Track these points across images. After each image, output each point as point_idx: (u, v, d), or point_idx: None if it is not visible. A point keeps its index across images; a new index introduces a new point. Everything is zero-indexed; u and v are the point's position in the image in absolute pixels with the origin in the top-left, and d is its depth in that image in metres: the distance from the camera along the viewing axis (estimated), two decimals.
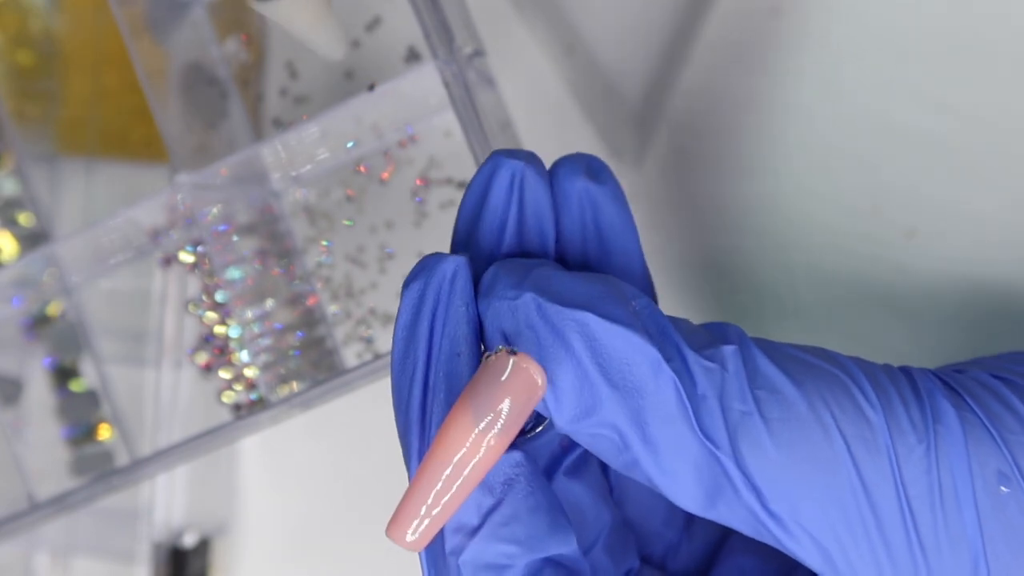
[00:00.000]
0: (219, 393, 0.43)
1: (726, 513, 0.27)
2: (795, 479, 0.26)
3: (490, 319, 0.27)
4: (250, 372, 0.42)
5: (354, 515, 0.49)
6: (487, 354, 0.27)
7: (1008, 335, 0.42)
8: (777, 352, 0.28)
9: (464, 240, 0.30)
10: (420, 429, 0.28)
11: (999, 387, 0.29)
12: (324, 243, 0.44)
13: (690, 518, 0.33)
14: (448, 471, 0.26)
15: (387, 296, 0.45)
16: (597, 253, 0.30)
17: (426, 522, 0.27)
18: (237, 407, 0.43)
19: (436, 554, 0.28)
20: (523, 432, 0.29)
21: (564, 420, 0.27)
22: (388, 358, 0.38)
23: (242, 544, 0.49)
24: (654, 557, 0.33)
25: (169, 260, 0.44)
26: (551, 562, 0.28)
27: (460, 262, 0.28)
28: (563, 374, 0.27)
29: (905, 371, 0.29)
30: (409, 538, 0.27)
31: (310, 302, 0.42)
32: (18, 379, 0.46)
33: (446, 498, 0.26)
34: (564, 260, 0.31)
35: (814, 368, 0.28)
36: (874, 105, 0.43)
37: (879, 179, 0.43)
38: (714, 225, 0.44)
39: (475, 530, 0.28)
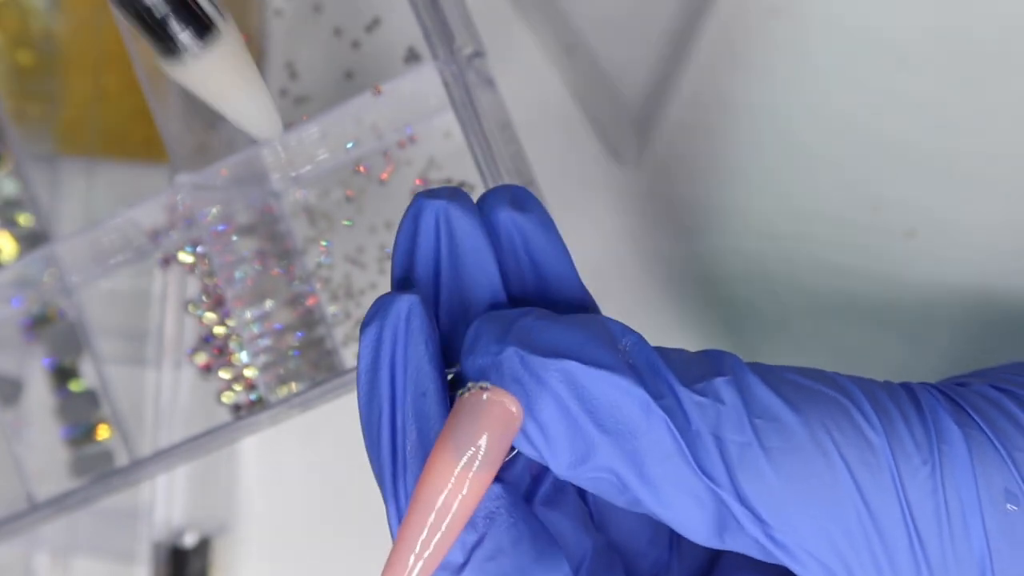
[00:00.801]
0: (219, 393, 0.43)
1: (733, 544, 0.27)
2: (799, 507, 0.26)
3: (474, 377, 0.27)
4: (250, 372, 0.42)
5: (354, 515, 0.49)
6: (460, 392, 0.27)
7: (1008, 341, 0.42)
8: (774, 377, 0.27)
9: (402, 285, 0.30)
10: (392, 471, 0.28)
11: (1003, 401, 0.28)
12: (323, 243, 0.44)
13: (678, 538, 0.33)
14: (434, 513, 0.26)
15: None
16: (534, 280, 0.30)
17: (419, 566, 0.26)
18: (237, 407, 0.43)
19: None
20: None
21: (561, 468, 0.27)
22: None
23: (242, 544, 0.49)
24: None
25: (168, 260, 0.44)
26: None
27: (413, 300, 0.28)
28: (553, 424, 0.27)
29: (907, 388, 0.29)
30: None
31: (310, 303, 0.42)
32: (18, 379, 0.46)
33: (436, 540, 0.26)
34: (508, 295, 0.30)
35: (813, 392, 0.27)
36: (875, 106, 0.43)
37: (878, 182, 0.43)
38: (713, 226, 0.44)
39: (461, 567, 0.27)
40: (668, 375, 0.27)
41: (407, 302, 0.28)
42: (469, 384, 0.27)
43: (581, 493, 0.32)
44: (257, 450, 0.49)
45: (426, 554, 0.26)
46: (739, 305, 0.44)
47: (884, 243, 0.43)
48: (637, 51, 0.45)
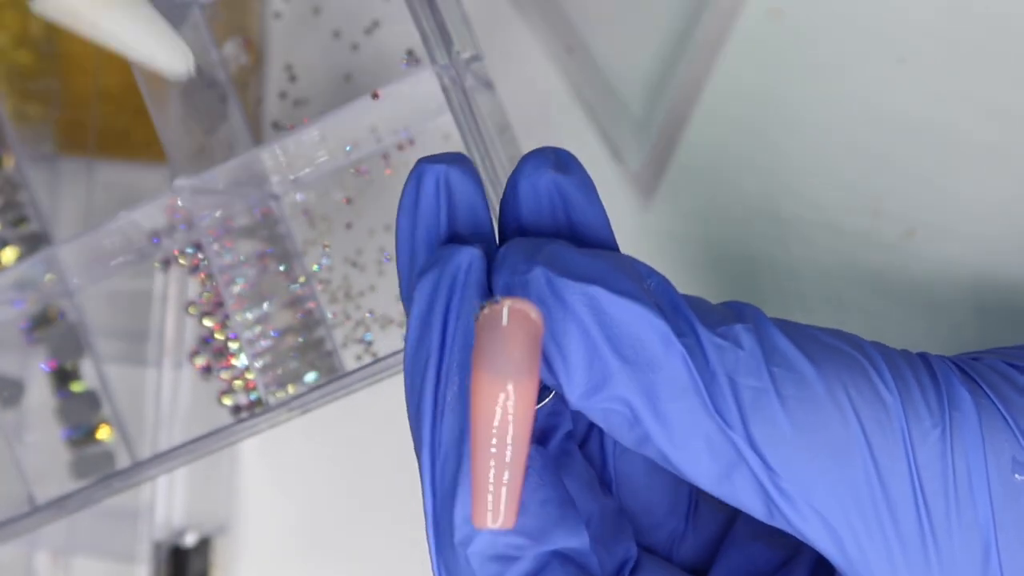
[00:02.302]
0: (219, 395, 0.43)
1: (739, 490, 0.27)
2: (809, 459, 0.26)
3: (501, 293, 0.27)
4: (250, 374, 0.42)
5: (354, 515, 0.49)
6: (477, 314, 0.26)
7: (1010, 335, 0.42)
8: (795, 331, 0.28)
9: (408, 248, 0.30)
10: (432, 418, 0.28)
11: (1014, 375, 0.29)
12: (325, 245, 0.44)
13: (695, 509, 0.33)
14: (495, 440, 0.25)
15: (385, 299, 0.45)
16: (571, 241, 0.30)
17: (503, 498, 0.26)
18: (237, 409, 0.43)
19: (444, 544, 0.28)
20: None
21: (575, 395, 0.27)
22: (386, 361, 0.38)
23: (242, 544, 0.50)
24: (659, 547, 0.33)
25: (169, 262, 0.44)
26: (559, 555, 0.28)
27: (475, 254, 0.28)
28: (573, 347, 0.27)
29: (923, 357, 0.29)
30: (492, 523, 0.26)
31: (309, 305, 0.42)
32: (19, 381, 0.46)
33: (508, 464, 0.26)
34: None
35: (832, 349, 0.27)
36: (874, 105, 0.43)
37: (880, 177, 0.43)
38: (713, 225, 0.44)
39: None
40: (690, 315, 0.27)
41: (469, 255, 0.28)
42: (485, 303, 0.26)
43: (595, 459, 0.32)
44: (258, 450, 0.49)
45: (504, 484, 0.25)
46: (740, 293, 0.44)
47: (883, 242, 0.43)
48: (637, 51, 0.44)
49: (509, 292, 0.27)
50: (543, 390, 0.29)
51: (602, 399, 0.27)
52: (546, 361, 0.27)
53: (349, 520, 0.49)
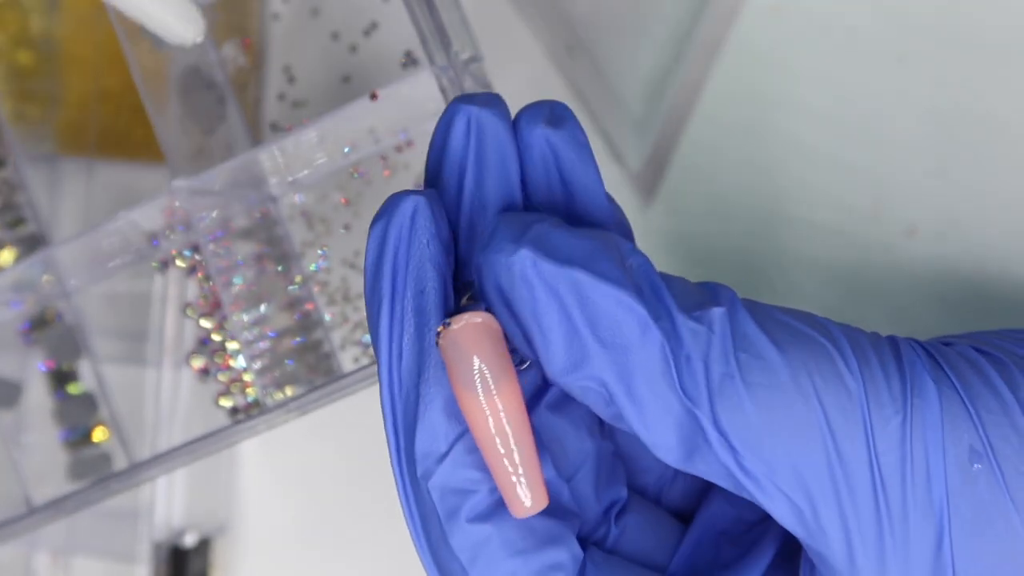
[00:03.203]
0: (216, 397, 0.43)
1: (703, 468, 0.28)
2: (772, 442, 0.27)
3: (486, 273, 0.28)
4: (247, 376, 0.42)
5: (353, 515, 0.49)
6: (437, 340, 0.28)
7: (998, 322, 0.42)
8: (765, 316, 0.29)
9: (431, 185, 0.31)
10: (389, 361, 0.29)
11: (981, 362, 0.29)
12: (323, 249, 0.44)
13: None
14: (498, 442, 0.28)
15: None
16: (561, 196, 0.31)
17: (524, 484, 0.28)
18: (235, 410, 0.43)
19: (408, 477, 0.29)
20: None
21: (554, 372, 0.28)
22: None
23: (242, 544, 0.50)
24: (648, 488, 0.34)
25: (167, 263, 0.44)
26: None
27: (419, 200, 0.29)
28: (554, 328, 0.28)
29: (892, 341, 0.30)
30: (529, 508, 0.28)
31: (307, 306, 0.42)
32: (16, 382, 0.46)
33: (518, 458, 0.28)
34: (532, 208, 0.31)
35: (800, 335, 0.28)
36: (874, 105, 0.43)
37: (880, 177, 0.43)
38: (713, 225, 0.44)
39: (443, 456, 0.29)
40: (668, 299, 0.28)
41: (413, 202, 0.29)
42: (437, 330, 0.28)
43: None
44: (257, 450, 0.49)
45: (522, 473, 0.28)
46: (740, 292, 0.44)
47: (884, 241, 0.43)
48: (637, 51, 0.44)
49: (491, 271, 0.28)
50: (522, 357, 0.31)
51: (579, 378, 0.28)
52: (527, 338, 0.28)
53: (348, 520, 0.49)
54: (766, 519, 0.33)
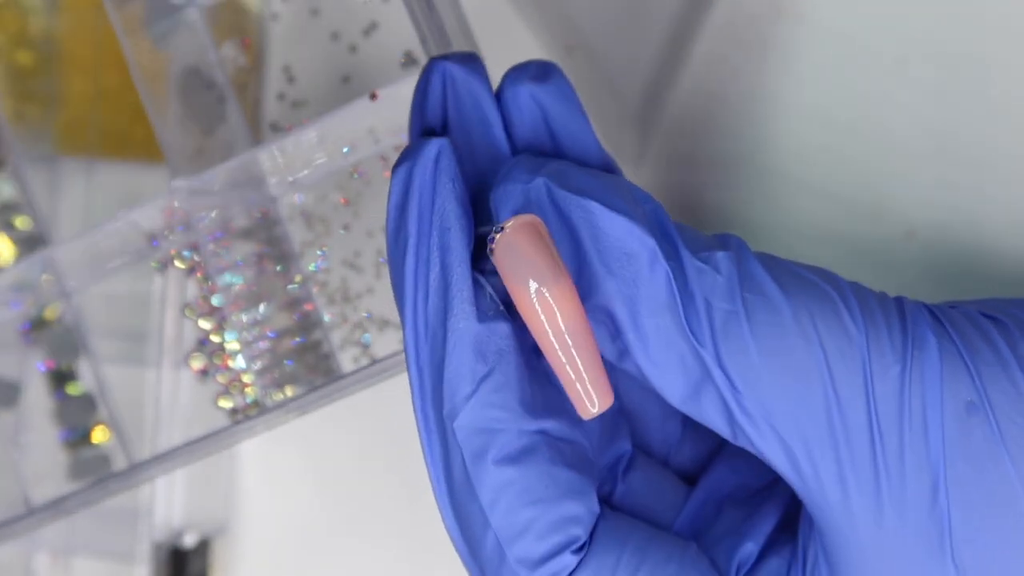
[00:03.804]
0: (216, 397, 0.43)
1: (706, 407, 0.29)
2: (772, 381, 0.28)
3: (501, 200, 0.29)
4: (247, 376, 0.42)
5: (353, 516, 0.49)
6: (491, 245, 0.28)
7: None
8: (774, 263, 0.29)
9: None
10: (414, 298, 0.29)
11: (985, 324, 0.29)
12: (322, 249, 0.44)
13: (691, 421, 0.34)
14: (555, 342, 0.28)
15: (383, 301, 0.45)
16: (553, 153, 0.31)
17: (589, 386, 0.28)
18: (234, 411, 0.43)
19: (434, 419, 0.29)
20: None
21: None
22: (384, 363, 0.38)
23: (242, 544, 0.50)
24: (653, 450, 0.34)
25: (166, 264, 0.44)
26: (545, 434, 0.29)
27: (443, 143, 0.29)
28: (566, 257, 0.29)
29: (898, 300, 0.30)
30: (593, 409, 0.28)
31: (307, 307, 0.42)
32: (16, 382, 0.46)
33: (580, 358, 0.28)
34: None
35: (806, 282, 0.29)
36: (873, 105, 0.43)
37: (880, 178, 0.43)
38: (713, 225, 0.44)
39: (471, 395, 0.29)
40: (678, 240, 0.29)
41: (437, 144, 0.29)
42: (492, 235, 0.28)
43: None
44: (257, 451, 0.49)
45: (586, 375, 0.28)
46: None
47: (883, 242, 0.43)
48: (637, 51, 0.44)
49: (508, 199, 0.29)
50: None
51: (587, 308, 0.29)
52: None
53: (348, 521, 0.49)
54: (770, 486, 0.33)
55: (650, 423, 0.34)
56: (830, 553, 0.29)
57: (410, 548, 0.48)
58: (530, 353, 0.30)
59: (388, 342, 0.44)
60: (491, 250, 0.28)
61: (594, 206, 0.28)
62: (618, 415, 0.33)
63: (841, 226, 0.43)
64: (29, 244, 0.45)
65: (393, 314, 0.44)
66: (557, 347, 0.28)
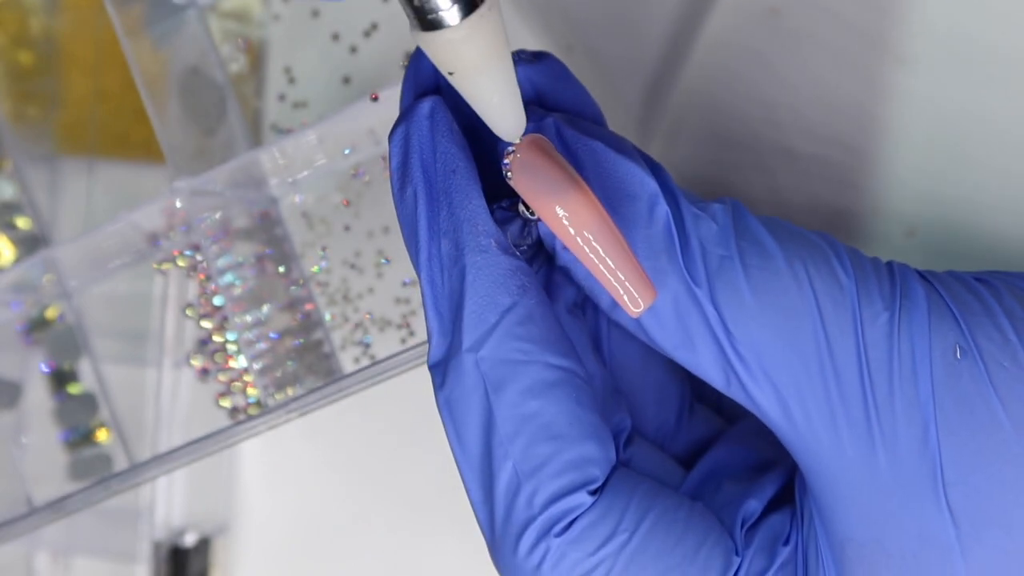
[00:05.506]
0: (216, 397, 0.43)
1: (700, 354, 0.29)
2: (765, 325, 0.28)
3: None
4: (248, 376, 0.42)
5: (353, 515, 0.49)
6: (506, 171, 0.28)
7: None
8: (768, 219, 0.30)
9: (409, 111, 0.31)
10: (428, 241, 0.29)
11: (972, 282, 0.30)
12: (323, 250, 0.44)
13: (690, 410, 0.34)
14: (585, 248, 0.28)
15: (384, 301, 0.45)
16: None
17: (626, 281, 0.28)
18: (235, 411, 0.43)
19: (452, 353, 0.29)
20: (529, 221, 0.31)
21: None
22: (385, 363, 0.38)
23: (242, 544, 0.50)
24: (647, 436, 0.34)
25: (167, 264, 0.45)
26: (569, 371, 0.29)
27: (436, 99, 0.30)
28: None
29: (888, 262, 0.30)
30: (639, 305, 0.28)
31: (307, 307, 0.43)
32: (17, 383, 0.46)
33: (609, 257, 0.28)
34: None
35: (798, 235, 0.30)
36: (872, 105, 0.43)
37: (880, 177, 0.43)
38: None
39: (493, 327, 0.29)
40: (677, 191, 0.29)
41: (429, 101, 0.30)
42: (503, 163, 0.28)
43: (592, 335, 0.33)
44: (258, 450, 0.49)
45: (622, 276, 0.28)
46: None
47: (883, 242, 0.43)
48: (637, 51, 0.44)
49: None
50: (527, 220, 0.31)
51: None
52: None
53: (348, 521, 0.49)
54: (769, 464, 0.33)
55: (642, 412, 0.34)
56: (821, 505, 0.29)
57: (410, 548, 0.48)
58: (539, 290, 0.30)
59: (389, 342, 0.44)
60: (508, 175, 0.28)
61: (600, 146, 0.29)
62: (617, 393, 0.33)
63: (841, 226, 0.43)
64: (29, 244, 0.45)
65: (392, 314, 0.45)
66: (588, 251, 0.28)
